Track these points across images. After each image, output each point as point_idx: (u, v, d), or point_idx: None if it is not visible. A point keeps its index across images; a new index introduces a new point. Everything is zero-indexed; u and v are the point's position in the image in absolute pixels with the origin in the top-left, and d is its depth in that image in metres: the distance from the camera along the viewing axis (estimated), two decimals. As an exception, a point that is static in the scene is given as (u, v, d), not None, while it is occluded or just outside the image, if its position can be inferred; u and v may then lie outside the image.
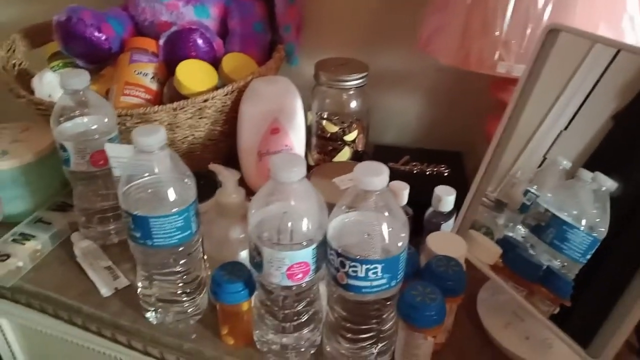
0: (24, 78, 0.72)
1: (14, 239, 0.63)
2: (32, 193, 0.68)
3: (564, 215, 0.46)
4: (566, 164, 0.46)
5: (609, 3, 0.52)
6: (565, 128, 0.46)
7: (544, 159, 0.48)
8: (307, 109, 0.72)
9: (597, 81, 0.44)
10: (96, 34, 0.70)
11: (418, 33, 0.65)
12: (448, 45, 0.59)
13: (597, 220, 0.43)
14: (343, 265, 0.42)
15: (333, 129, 0.74)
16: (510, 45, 0.54)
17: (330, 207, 0.44)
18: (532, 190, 0.49)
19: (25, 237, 0.63)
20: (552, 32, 0.47)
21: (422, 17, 0.64)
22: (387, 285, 0.43)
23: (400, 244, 0.43)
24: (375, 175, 0.40)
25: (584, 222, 0.44)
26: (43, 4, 0.81)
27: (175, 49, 0.69)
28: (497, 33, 0.54)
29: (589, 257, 0.44)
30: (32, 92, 0.68)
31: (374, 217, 0.42)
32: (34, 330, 0.64)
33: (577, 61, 0.45)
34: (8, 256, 0.60)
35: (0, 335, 0.69)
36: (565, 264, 0.46)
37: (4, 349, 0.71)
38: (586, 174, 0.44)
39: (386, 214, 0.42)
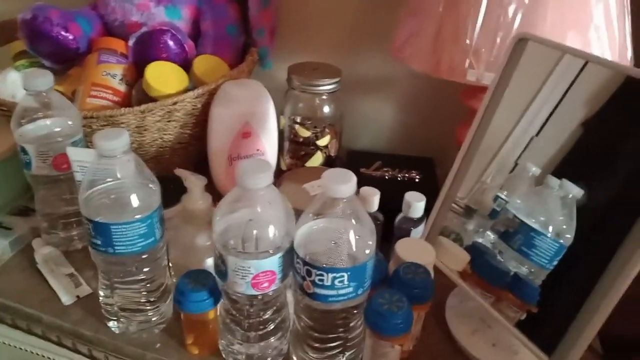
0: (-14, 77, 0.69)
1: (-29, 245, 0.61)
2: (-8, 197, 0.66)
3: (531, 222, 0.46)
4: (535, 170, 0.46)
5: (577, 13, 0.53)
6: (537, 134, 0.47)
7: (516, 164, 0.48)
8: (279, 113, 0.71)
9: (567, 89, 0.44)
10: (63, 33, 0.68)
11: (392, 39, 0.65)
12: (420, 52, 0.59)
13: (564, 227, 0.44)
14: (309, 273, 0.42)
15: (305, 133, 0.73)
16: (480, 53, 0.54)
17: (301, 213, 0.43)
18: (502, 196, 0.49)
19: (-16, 243, 0.61)
20: (521, 41, 0.48)
21: (396, 22, 0.64)
22: (354, 294, 0.43)
23: (367, 251, 0.42)
24: (342, 183, 0.40)
25: (551, 228, 0.45)
26: (10, 1, 0.78)
27: (146, 50, 0.68)
28: (467, 41, 0.54)
29: (555, 263, 0.44)
30: (-7, 93, 0.66)
31: (342, 225, 0.42)
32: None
33: (548, 69, 0.46)
34: (-35, 263, 0.58)
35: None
36: (532, 270, 0.46)
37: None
38: (553, 181, 0.45)
39: (353, 221, 0.42)
